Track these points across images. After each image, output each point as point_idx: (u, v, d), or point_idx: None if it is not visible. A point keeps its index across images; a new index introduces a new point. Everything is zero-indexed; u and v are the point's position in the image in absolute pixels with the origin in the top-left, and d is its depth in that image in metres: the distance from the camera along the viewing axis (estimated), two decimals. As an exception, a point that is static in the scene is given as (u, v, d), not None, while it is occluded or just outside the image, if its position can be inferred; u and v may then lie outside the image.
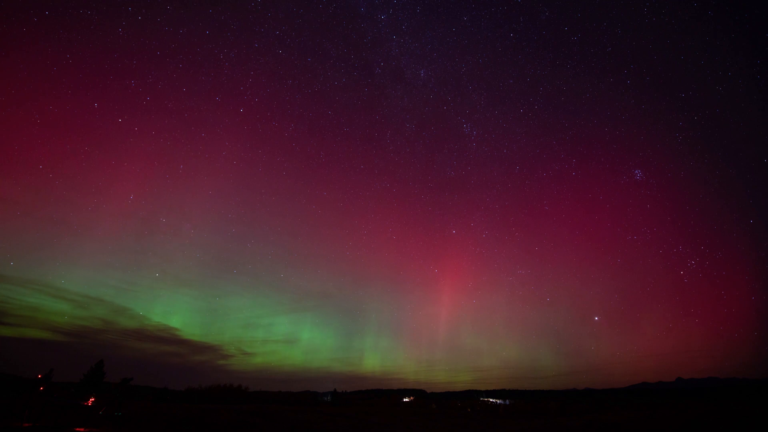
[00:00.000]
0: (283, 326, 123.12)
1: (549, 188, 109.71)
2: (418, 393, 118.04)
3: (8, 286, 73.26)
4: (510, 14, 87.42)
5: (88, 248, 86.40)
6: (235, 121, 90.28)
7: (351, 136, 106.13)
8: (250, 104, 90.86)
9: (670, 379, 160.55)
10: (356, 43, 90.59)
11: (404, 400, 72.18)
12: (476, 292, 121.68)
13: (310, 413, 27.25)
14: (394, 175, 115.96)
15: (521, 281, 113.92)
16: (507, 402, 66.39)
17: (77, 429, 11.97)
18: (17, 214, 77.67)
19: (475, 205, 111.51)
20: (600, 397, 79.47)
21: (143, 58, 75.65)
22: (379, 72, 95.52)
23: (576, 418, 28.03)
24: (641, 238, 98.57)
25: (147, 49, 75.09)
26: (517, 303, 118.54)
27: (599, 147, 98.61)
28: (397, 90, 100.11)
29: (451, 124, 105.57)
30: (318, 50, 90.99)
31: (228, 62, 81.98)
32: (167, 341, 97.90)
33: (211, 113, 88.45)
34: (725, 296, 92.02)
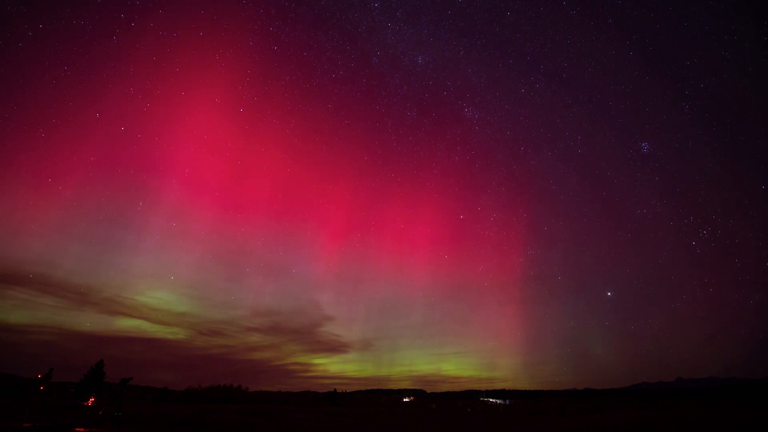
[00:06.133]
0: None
1: (555, 167, 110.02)
2: (418, 393, 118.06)
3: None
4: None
5: (101, 254, 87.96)
6: (236, 121, 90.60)
7: (352, 129, 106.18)
8: (250, 103, 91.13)
9: (670, 379, 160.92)
10: (351, 33, 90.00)
11: (404, 400, 72.22)
12: (487, 275, 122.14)
13: (310, 413, 27.25)
14: (397, 165, 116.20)
15: (532, 261, 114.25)
16: (507, 402, 66.42)
17: (77, 429, 11.95)
18: (31, 227, 78.37)
19: (481, 188, 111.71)
20: (600, 397, 79.45)
21: (140, 64, 75.79)
22: (377, 62, 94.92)
23: (576, 418, 28.02)
24: (651, 211, 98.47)
25: (143, 55, 75.26)
26: (529, 283, 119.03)
27: (604, 122, 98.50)
28: (395, 78, 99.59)
29: (453, 109, 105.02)
30: (313, 44, 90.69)
31: (224, 62, 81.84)
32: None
33: (212, 115, 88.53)
34: (739, 264, 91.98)
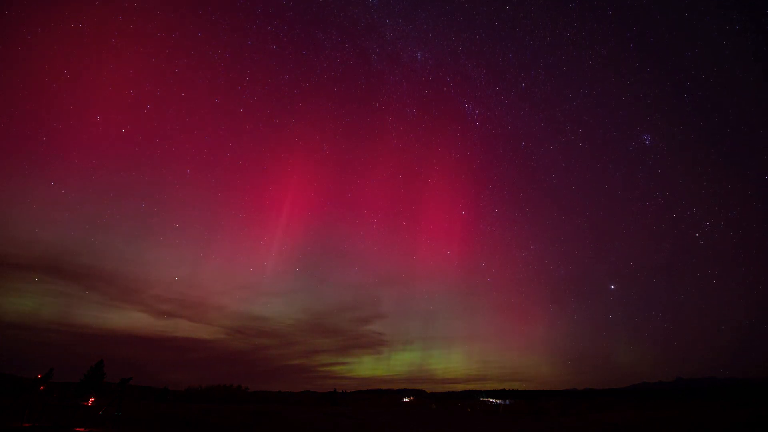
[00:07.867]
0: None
1: (556, 161, 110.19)
2: (418, 393, 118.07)
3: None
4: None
5: (107, 258, 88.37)
6: (236, 121, 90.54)
7: (352, 127, 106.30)
8: (249, 103, 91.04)
9: (670, 379, 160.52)
10: (349, 31, 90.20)
11: (404, 400, 72.23)
12: (490, 271, 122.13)
13: (310, 413, 27.25)
14: (398, 162, 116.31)
15: (535, 256, 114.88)
16: (507, 402, 66.41)
17: (77, 429, 11.96)
18: (35, 230, 78.44)
19: (483, 184, 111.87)
20: (600, 397, 79.50)
21: (139, 67, 75.95)
22: (376, 59, 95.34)
23: (576, 419, 28.04)
24: (653, 203, 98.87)
25: (142, 57, 75.38)
26: (532, 277, 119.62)
27: (605, 115, 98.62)
28: (395, 75, 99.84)
29: (453, 105, 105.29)
30: (312, 42, 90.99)
31: (223, 62, 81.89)
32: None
33: (212, 115, 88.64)
34: (742, 255, 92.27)
